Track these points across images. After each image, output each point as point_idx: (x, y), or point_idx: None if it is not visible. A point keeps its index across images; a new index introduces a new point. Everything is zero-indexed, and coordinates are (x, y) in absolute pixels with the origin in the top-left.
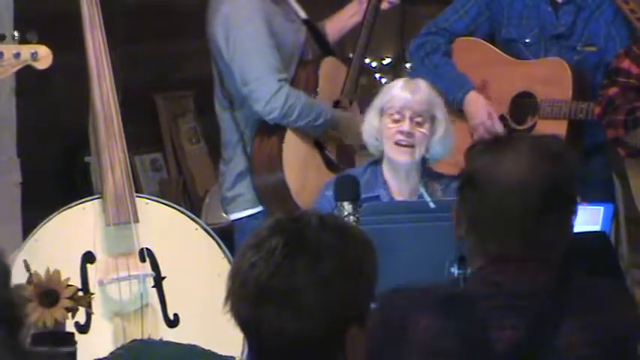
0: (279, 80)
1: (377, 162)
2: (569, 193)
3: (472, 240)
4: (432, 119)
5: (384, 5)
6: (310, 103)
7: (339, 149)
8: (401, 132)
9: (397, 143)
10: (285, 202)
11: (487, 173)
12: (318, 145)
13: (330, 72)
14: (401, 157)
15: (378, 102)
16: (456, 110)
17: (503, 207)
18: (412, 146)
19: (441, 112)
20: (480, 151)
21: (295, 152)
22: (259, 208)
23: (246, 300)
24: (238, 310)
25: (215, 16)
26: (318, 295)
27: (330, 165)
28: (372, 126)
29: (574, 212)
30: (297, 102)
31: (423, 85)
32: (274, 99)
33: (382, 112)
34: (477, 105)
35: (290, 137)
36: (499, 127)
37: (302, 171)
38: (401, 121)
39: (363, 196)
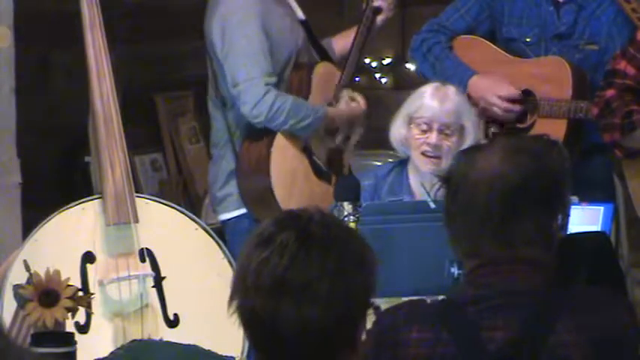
0: (267, 84)
1: (403, 162)
2: (547, 191)
3: (451, 241)
4: (461, 129)
5: (382, 17)
6: (298, 105)
7: (328, 155)
8: (428, 144)
9: (424, 154)
10: (271, 208)
11: (460, 172)
12: (307, 152)
13: (324, 77)
14: (427, 167)
15: (406, 108)
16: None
17: (471, 204)
18: (439, 157)
19: (469, 121)
20: (460, 153)
21: (283, 159)
22: None
23: (263, 294)
24: (253, 305)
25: (213, 15)
26: (332, 285)
27: (318, 172)
28: (400, 133)
29: (558, 211)
30: (284, 105)
31: (452, 93)
32: (261, 103)
33: (410, 120)
34: (480, 87)
35: (279, 143)
36: (509, 91)
37: (289, 178)
38: (428, 131)
39: (388, 199)
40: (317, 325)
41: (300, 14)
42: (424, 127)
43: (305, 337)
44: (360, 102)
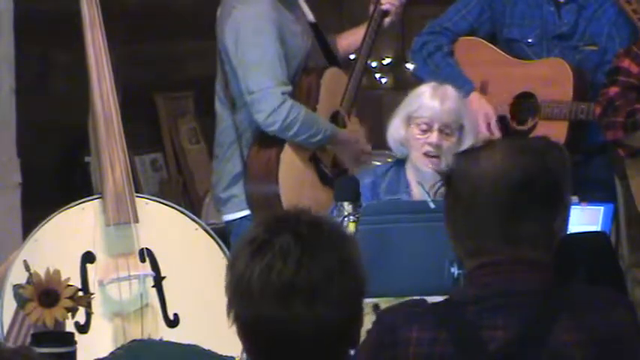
0: (283, 93)
1: (400, 161)
2: (549, 191)
3: (452, 240)
4: (461, 128)
5: (388, 20)
6: (311, 119)
7: (334, 162)
8: (429, 144)
9: (425, 154)
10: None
11: (462, 172)
12: (314, 159)
13: (332, 82)
14: (428, 167)
15: (405, 109)
16: None
17: (475, 202)
18: (438, 157)
19: (468, 121)
20: (461, 153)
21: (292, 166)
22: None
23: (271, 300)
24: (260, 313)
25: (227, 18)
26: (340, 282)
27: (325, 180)
28: (399, 134)
29: (559, 211)
30: (298, 117)
31: (451, 93)
32: (276, 112)
33: (409, 120)
34: (474, 108)
35: (288, 150)
36: (496, 131)
37: (297, 186)
38: (429, 131)
39: (386, 198)
40: (332, 324)
41: (311, 17)
42: (424, 127)
43: (321, 337)
44: (368, 150)
